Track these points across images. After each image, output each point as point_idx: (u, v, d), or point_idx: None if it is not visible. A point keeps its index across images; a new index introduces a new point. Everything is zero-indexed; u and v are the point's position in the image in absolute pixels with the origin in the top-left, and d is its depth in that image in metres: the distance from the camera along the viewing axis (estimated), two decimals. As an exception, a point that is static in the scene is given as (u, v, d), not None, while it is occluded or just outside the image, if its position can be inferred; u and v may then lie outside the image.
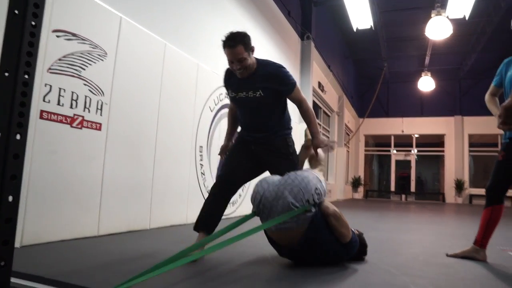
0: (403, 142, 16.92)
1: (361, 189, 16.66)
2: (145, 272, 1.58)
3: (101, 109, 2.98)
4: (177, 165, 3.97)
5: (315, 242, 2.14)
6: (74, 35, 2.73)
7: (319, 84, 10.20)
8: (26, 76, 1.03)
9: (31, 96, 1.07)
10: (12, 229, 1.02)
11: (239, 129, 2.71)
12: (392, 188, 16.87)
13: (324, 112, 11.84)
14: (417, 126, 16.10)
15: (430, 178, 18.02)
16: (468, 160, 15.71)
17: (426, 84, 13.46)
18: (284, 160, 2.49)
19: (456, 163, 15.50)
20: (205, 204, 2.53)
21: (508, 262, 2.61)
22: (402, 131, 16.21)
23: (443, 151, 16.15)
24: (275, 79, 2.39)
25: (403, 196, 16.34)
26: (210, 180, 4.60)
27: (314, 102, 10.18)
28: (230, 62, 2.34)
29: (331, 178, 12.50)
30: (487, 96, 2.88)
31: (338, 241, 2.18)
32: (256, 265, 2.26)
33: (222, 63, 4.88)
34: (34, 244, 2.44)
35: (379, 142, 17.97)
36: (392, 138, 16.95)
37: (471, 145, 15.65)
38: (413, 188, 16.46)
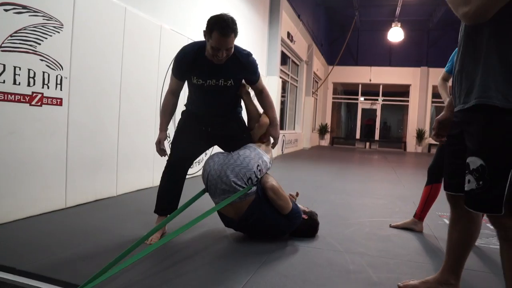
0: (370, 90, 17.25)
1: (327, 136, 17.16)
2: (108, 266, 1.71)
3: (61, 84, 2.93)
4: (141, 131, 4.00)
5: (259, 214, 2.34)
6: (24, 7, 2.59)
7: (288, 34, 10.06)
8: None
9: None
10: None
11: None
12: (358, 136, 17.47)
13: (293, 61, 11.79)
14: (384, 75, 16.36)
15: (394, 127, 18.69)
16: (431, 110, 16.33)
17: (396, 35, 13.52)
18: (239, 140, 2.57)
19: (419, 113, 16.10)
20: (162, 189, 2.57)
21: (441, 232, 2.93)
22: (370, 80, 16.46)
23: (407, 101, 16.65)
24: (247, 69, 2.38)
25: (368, 143, 17.00)
26: (176, 142, 4.67)
27: (282, 52, 10.10)
28: (216, 49, 2.14)
29: (298, 126, 12.77)
30: (439, 81, 3.03)
31: (280, 213, 2.39)
32: (205, 241, 2.44)
33: (187, 21, 4.76)
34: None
35: (347, 90, 18.23)
36: (360, 86, 17.21)
37: (434, 95, 16.18)
38: (377, 136, 17.10)
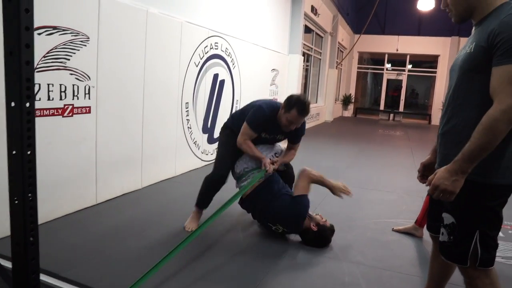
0: (397, 60, 16.81)
1: (351, 106, 17.04)
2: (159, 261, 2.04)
3: (89, 93, 3.18)
4: (164, 125, 4.27)
5: (265, 194, 2.83)
6: (55, 28, 2.81)
7: (312, 8, 9.88)
8: (28, 105, 1.22)
9: (34, 122, 1.31)
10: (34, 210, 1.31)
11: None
12: (382, 107, 17.25)
13: (317, 34, 11.62)
14: (412, 45, 15.83)
15: (420, 98, 18.30)
16: (458, 82, 15.82)
17: (426, 3, 12.99)
18: None
19: (446, 86, 15.63)
20: (207, 190, 3.02)
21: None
22: (397, 50, 16.00)
23: (435, 72, 16.18)
24: (300, 132, 3.04)
25: (392, 115, 16.81)
26: (197, 132, 4.94)
27: (306, 26, 9.98)
28: (290, 122, 2.76)
29: (321, 99, 12.78)
30: None
31: (288, 194, 2.86)
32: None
33: (207, 13, 4.86)
34: (44, 222, 2.89)
35: (373, 59, 17.82)
36: (386, 56, 16.79)
37: (463, 67, 15.61)
38: (402, 107, 16.85)
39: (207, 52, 4.95)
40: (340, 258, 2.68)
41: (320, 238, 2.78)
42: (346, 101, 16.67)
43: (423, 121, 16.66)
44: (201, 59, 4.83)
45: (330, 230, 2.83)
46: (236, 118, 3.08)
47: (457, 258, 1.58)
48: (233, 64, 5.71)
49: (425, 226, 2.03)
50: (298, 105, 2.68)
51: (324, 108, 12.99)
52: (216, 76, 5.26)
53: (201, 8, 4.88)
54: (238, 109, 3.28)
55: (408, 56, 16.47)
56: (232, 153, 3.02)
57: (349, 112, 17.01)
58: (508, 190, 1.52)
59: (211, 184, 3.01)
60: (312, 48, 11.27)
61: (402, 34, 15.79)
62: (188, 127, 4.75)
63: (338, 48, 13.77)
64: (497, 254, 2.91)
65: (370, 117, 17.09)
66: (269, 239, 2.91)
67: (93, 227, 2.92)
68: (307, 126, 11.33)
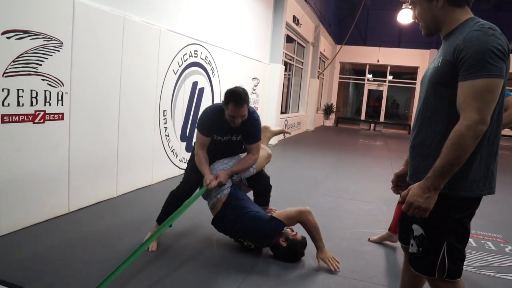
0: (378, 71, 17.11)
1: (332, 116, 17.21)
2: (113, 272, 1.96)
3: (62, 100, 3.11)
4: (141, 133, 4.20)
5: (231, 213, 2.73)
6: (25, 32, 2.74)
7: (294, 18, 9.99)
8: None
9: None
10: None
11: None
12: (363, 117, 17.48)
13: (299, 43, 11.73)
14: (392, 56, 16.16)
15: (399, 109, 18.63)
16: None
17: (405, 16, 13.27)
18: None
19: (424, 96, 15.98)
20: (171, 205, 2.86)
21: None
22: (378, 61, 16.30)
23: (414, 83, 16.52)
24: (253, 130, 2.85)
25: (372, 125, 17.03)
26: (175, 140, 4.88)
27: (288, 36, 10.07)
28: (232, 117, 2.65)
29: (302, 109, 12.86)
30: None
31: (258, 212, 2.78)
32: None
33: (186, 21, 4.84)
34: (12, 231, 2.78)
35: (354, 69, 18.09)
36: (367, 67, 17.07)
37: (441, 79, 16.01)
38: (382, 117, 17.11)
39: (186, 60, 4.92)
40: (314, 269, 2.66)
41: (290, 253, 2.70)
42: (327, 110, 16.83)
43: (403, 131, 16.94)
44: (180, 66, 4.80)
45: (301, 244, 2.72)
46: None
47: (425, 269, 1.58)
48: (213, 72, 5.69)
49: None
50: (232, 97, 2.60)
51: (305, 117, 13.08)
52: (195, 84, 5.23)
53: (181, 16, 4.86)
54: None
55: (388, 67, 16.78)
56: (199, 172, 2.83)
57: (330, 122, 17.17)
58: (475, 203, 1.54)
59: (172, 199, 2.90)
60: (294, 58, 11.36)
61: (383, 46, 16.11)
62: (166, 135, 4.70)
63: (320, 58, 13.92)
64: (470, 264, 2.97)
65: (351, 127, 17.29)
66: (243, 252, 2.86)
67: (63, 237, 2.83)
68: (293, 133, 11.46)
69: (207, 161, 2.84)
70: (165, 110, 4.61)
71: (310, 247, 2.80)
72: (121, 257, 2.52)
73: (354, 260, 2.85)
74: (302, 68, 12.47)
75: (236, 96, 2.60)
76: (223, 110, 2.74)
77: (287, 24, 9.15)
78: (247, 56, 7.02)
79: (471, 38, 1.39)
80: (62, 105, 3.12)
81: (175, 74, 4.73)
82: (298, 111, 12.59)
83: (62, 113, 3.14)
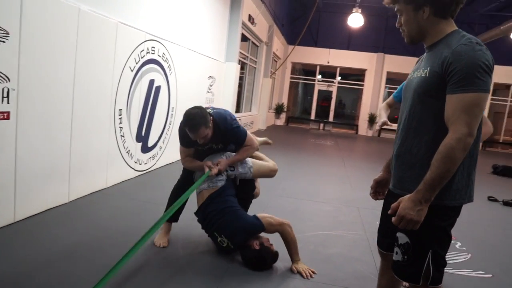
0: (328, 72, 17.57)
1: (283, 115, 17.43)
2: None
3: (7, 97, 2.81)
4: (95, 133, 3.94)
5: (216, 204, 2.73)
6: (-31, 20, 2.44)
7: (249, 17, 9.94)
8: None
9: None
10: None
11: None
12: (313, 116, 17.88)
13: (253, 43, 11.71)
14: (342, 58, 16.66)
15: (348, 109, 19.28)
16: (384, 95, 16.98)
17: (355, 20, 13.75)
18: None
19: (372, 98, 16.70)
20: (170, 202, 2.97)
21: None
22: (328, 62, 16.72)
23: (362, 85, 17.16)
24: (231, 136, 2.86)
25: (322, 124, 17.47)
26: (130, 141, 4.64)
27: (242, 35, 9.99)
28: (194, 138, 2.67)
29: (255, 108, 12.86)
30: (383, 104, 3.19)
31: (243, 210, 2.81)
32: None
33: (144, 15, 4.61)
34: None
35: (305, 70, 18.44)
36: (318, 68, 17.47)
37: (387, 81, 16.80)
38: (331, 117, 17.61)
39: (144, 56, 4.69)
40: (284, 274, 2.63)
41: (259, 259, 2.62)
42: (278, 110, 17.01)
43: (351, 131, 17.55)
44: (136, 63, 4.56)
45: (273, 255, 2.67)
46: None
47: (410, 277, 1.59)
48: (170, 70, 5.49)
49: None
50: (186, 123, 2.62)
51: (258, 116, 13.10)
52: (152, 81, 5.01)
53: (138, 9, 4.62)
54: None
55: (338, 69, 17.28)
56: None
57: (281, 121, 17.37)
58: (457, 211, 1.57)
59: (174, 189, 3.02)
60: (247, 57, 11.32)
61: (333, 48, 16.55)
62: (121, 135, 4.45)
63: (272, 57, 14.01)
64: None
65: (301, 126, 17.62)
66: (210, 256, 2.78)
67: (8, 251, 2.55)
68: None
69: (195, 160, 2.92)
70: (120, 109, 4.35)
71: (283, 256, 2.76)
72: (76, 277, 2.31)
73: (322, 264, 2.85)
74: (255, 67, 12.47)
75: (190, 122, 2.59)
76: None
77: (242, 22, 9.08)
78: (203, 54, 6.86)
79: (460, 52, 1.41)
80: (8, 102, 2.82)
81: (132, 71, 4.48)
82: (250, 110, 12.58)
83: (8, 112, 2.83)
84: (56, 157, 3.41)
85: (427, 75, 1.52)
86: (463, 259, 3.25)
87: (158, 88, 5.19)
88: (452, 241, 3.66)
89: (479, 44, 1.43)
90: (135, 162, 4.83)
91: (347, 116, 19.10)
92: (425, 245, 1.55)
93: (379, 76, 16.57)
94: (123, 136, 4.49)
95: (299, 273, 2.63)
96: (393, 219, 1.52)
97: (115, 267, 2.02)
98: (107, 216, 3.39)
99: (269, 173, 3.13)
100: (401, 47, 16.17)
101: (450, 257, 3.28)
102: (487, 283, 2.85)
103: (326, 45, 16.63)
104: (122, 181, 4.53)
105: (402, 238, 1.60)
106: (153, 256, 2.70)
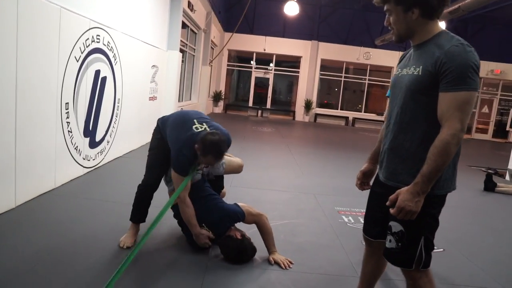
0: (264, 59, 17.76)
1: (221, 103, 17.34)
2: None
3: None
4: (41, 130, 3.62)
5: (198, 190, 2.75)
6: None
7: (189, 4, 9.67)
8: None
9: None
10: None
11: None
12: (250, 103, 18.02)
13: (191, 30, 11.44)
14: (278, 46, 16.92)
15: (284, 96, 19.68)
16: (318, 82, 17.60)
17: (291, 8, 13.98)
18: None
19: (307, 84, 17.23)
20: (141, 202, 2.87)
21: (344, 236, 3.39)
22: (264, 50, 16.88)
23: (298, 72, 17.61)
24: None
25: (260, 111, 17.68)
26: (78, 136, 4.34)
27: (183, 22, 9.70)
28: (209, 164, 2.69)
29: (194, 96, 12.65)
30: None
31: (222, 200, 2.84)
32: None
33: (89, 2, 4.28)
34: None
35: (241, 57, 18.45)
36: (254, 55, 17.57)
37: (321, 68, 17.42)
38: (269, 104, 17.88)
39: (89, 45, 4.37)
40: (263, 266, 2.67)
41: (241, 249, 2.64)
42: (216, 97, 16.90)
43: (288, 117, 18.00)
44: (82, 53, 4.24)
45: (252, 248, 2.70)
46: (166, 127, 2.80)
47: (403, 262, 1.71)
48: (115, 59, 5.19)
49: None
50: (214, 150, 2.51)
51: (198, 105, 12.90)
52: (97, 72, 4.70)
53: (81, -6, 4.27)
54: (165, 116, 2.95)
55: (274, 56, 17.53)
56: (162, 160, 2.85)
57: (219, 109, 17.29)
58: (444, 199, 1.71)
59: (140, 193, 2.88)
60: (186, 44, 11.04)
61: (269, 35, 16.72)
62: (69, 131, 4.14)
63: (210, 45, 13.80)
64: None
65: (239, 113, 17.68)
66: (185, 254, 2.73)
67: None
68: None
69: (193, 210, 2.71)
70: (67, 103, 4.04)
71: (258, 248, 2.79)
72: None
73: (296, 253, 2.92)
74: (194, 55, 12.21)
75: (219, 150, 2.53)
76: (193, 148, 2.58)
77: (183, 10, 8.80)
78: (146, 43, 6.57)
79: (454, 53, 1.51)
80: None
81: (77, 61, 4.16)
82: (190, 99, 12.35)
83: None
84: (0, 159, 3.09)
85: (419, 73, 1.61)
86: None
87: (104, 79, 4.88)
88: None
89: (468, 46, 1.54)
90: (84, 159, 4.53)
91: (284, 103, 19.50)
92: (418, 232, 1.67)
93: (313, 63, 17.11)
94: (71, 132, 4.18)
95: (277, 263, 2.69)
96: (391, 210, 1.61)
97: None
98: (63, 220, 3.16)
99: (238, 169, 3.19)
100: (334, 36, 16.85)
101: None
102: (440, 256, 3.12)
103: (262, 33, 16.76)
104: (71, 180, 4.24)
105: (395, 226, 1.71)
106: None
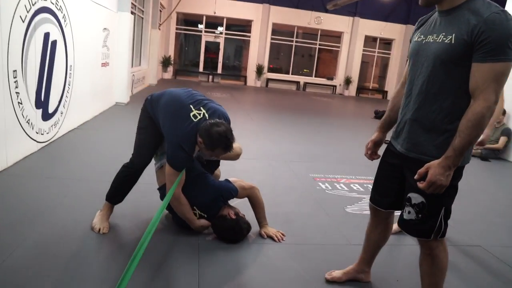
0: (215, 22, 17.14)
1: (170, 68, 16.64)
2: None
3: None
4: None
5: (188, 170, 2.45)
6: None
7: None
8: None
9: None
10: None
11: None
12: (201, 69, 17.47)
13: (139, -10, 10.63)
14: (228, 9, 16.33)
15: (235, 61, 19.27)
16: (269, 47, 17.35)
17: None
18: None
19: (259, 49, 16.94)
20: (122, 184, 2.59)
21: (323, 201, 3.39)
22: (214, 13, 16.23)
23: (249, 36, 17.21)
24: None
25: (211, 76, 17.22)
26: (29, 108, 3.88)
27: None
28: (216, 157, 2.51)
29: (145, 62, 11.97)
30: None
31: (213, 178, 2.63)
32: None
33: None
34: None
35: (190, 20, 17.65)
36: (204, 18, 16.86)
37: (273, 33, 17.16)
38: (220, 69, 17.44)
39: (35, 3, 3.84)
40: (257, 241, 2.58)
41: (236, 229, 2.51)
42: (165, 62, 16.15)
43: (239, 82, 17.73)
44: (28, 12, 3.71)
45: (248, 225, 2.58)
46: (155, 107, 2.49)
47: (423, 233, 1.69)
48: (65, 21, 4.65)
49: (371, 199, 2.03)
50: (223, 143, 2.26)
51: (148, 70, 12.25)
52: (47, 35, 4.18)
53: None
54: (153, 94, 2.59)
55: (224, 20, 16.93)
56: (152, 143, 2.57)
57: (168, 74, 16.58)
58: (463, 169, 1.68)
59: (125, 175, 2.58)
60: (135, 6, 10.27)
61: (219, -3, 16.06)
62: (19, 102, 3.68)
63: (159, 8, 12.97)
64: (360, 208, 3.36)
65: (190, 79, 17.10)
66: (173, 235, 2.56)
67: None
68: (139, 89, 10.58)
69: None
70: (15, 71, 3.55)
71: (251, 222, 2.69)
72: None
73: (285, 225, 2.86)
74: (143, 18, 11.43)
75: (228, 142, 2.28)
76: (195, 141, 2.33)
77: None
78: (96, 2, 5.96)
79: (494, 22, 1.41)
80: None
81: (23, 22, 3.65)
82: (140, 65, 11.66)
83: None
84: None
85: (452, 41, 1.50)
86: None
87: (54, 43, 4.36)
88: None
89: (509, 14, 1.44)
90: (37, 133, 4.09)
91: (235, 68, 19.13)
92: (440, 202, 1.64)
93: (265, 27, 16.78)
94: (21, 103, 3.72)
95: (270, 237, 2.62)
96: (420, 184, 1.55)
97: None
98: (15, 205, 2.77)
99: (234, 158, 2.89)
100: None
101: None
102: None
103: (212, -6, 16.05)
104: (25, 157, 3.82)
105: (416, 198, 1.66)
106: (109, 247, 2.37)
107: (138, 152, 2.59)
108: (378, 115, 9.92)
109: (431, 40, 1.60)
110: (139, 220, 2.70)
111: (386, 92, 18.53)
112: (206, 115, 2.36)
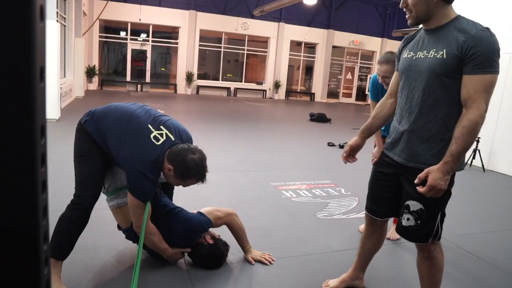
0: (141, 30, 16.60)
1: (96, 79, 15.77)
2: None
3: None
4: None
5: (154, 207, 2.27)
6: None
7: (57, -35, 8.32)
8: None
9: None
10: None
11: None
12: (128, 78, 16.80)
13: (60, -4, 9.93)
14: (154, 15, 15.92)
15: (164, 69, 18.82)
16: (198, 53, 17.23)
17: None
18: None
19: (187, 56, 16.75)
20: (71, 234, 2.13)
21: (294, 209, 3.49)
22: (140, 20, 15.73)
23: (177, 43, 16.95)
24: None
25: (139, 86, 16.63)
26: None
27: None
28: (185, 186, 2.20)
29: (70, 73, 11.20)
30: (372, 107, 2.90)
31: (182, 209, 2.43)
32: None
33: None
34: None
35: (114, 27, 16.89)
36: (129, 25, 16.25)
37: (201, 39, 17.07)
38: (148, 78, 16.93)
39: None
40: (245, 267, 2.53)
41: (217, 253, 2.41)
42: (90, 73, 15.26)
43: (169, 90, 17.37)
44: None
45: (226, 246, 2.48)
46: (100, 127, 2.13)
47: (422, 238, 1.84)
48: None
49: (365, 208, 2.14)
50: (198, 174, 2.11)
51: (74, 82, 11.48)
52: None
53: None
54: (92, 111, 2.20)
55: (151, 27, 16.48)
56: (100, 171, 2.19)
57: (94, 85, 15.69)
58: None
59: (74, 220, 2.10)
60: (57, 13, 9.57)
61: (144, 4, 15.58)
62: None
63: (82, 15, 12.24)
64: (337, 212, 3.53)
65: (117, 89, 16.34)
66: (164, 269, 2.47)
67: None
68: (67, 102, 9.78)
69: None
70: None
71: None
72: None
73: (266, 240, 2.87)
74: (65, 25, 10.70)
75: (203, 173, 2.12)
76: (160, 168, 2.11)
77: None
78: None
79: (481, 38, 1.59)
80: None
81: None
82: (65, 76, 10.90)
83: None
84: None
85: (444, 56, 1.66)
86: (356, 203, 3.84)
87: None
88: (337, 188, 4.27)
89: (490, 31, 1.63)
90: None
91: (164, 76, 18.68)
92: (437, 208, 1.80)
93: (192, 34, 16.65)
94: None
95: (259, 261, 2.56)
96: (420, 189, 1.68)
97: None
98: None
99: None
100: (211, 5, 16.57)
101: (347, 202, 3.82)
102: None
103: (137, 1, 15.52)
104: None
105: (414, 205, 1.81)
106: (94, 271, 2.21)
107: (84, 186, 2.14)
108: (313, 117, 10.36)
109: (422, 56, 1.75)
110: (119, 262, 2.55)
111: (314, 94, 19.42)
112: (171, 136, 2.13)
